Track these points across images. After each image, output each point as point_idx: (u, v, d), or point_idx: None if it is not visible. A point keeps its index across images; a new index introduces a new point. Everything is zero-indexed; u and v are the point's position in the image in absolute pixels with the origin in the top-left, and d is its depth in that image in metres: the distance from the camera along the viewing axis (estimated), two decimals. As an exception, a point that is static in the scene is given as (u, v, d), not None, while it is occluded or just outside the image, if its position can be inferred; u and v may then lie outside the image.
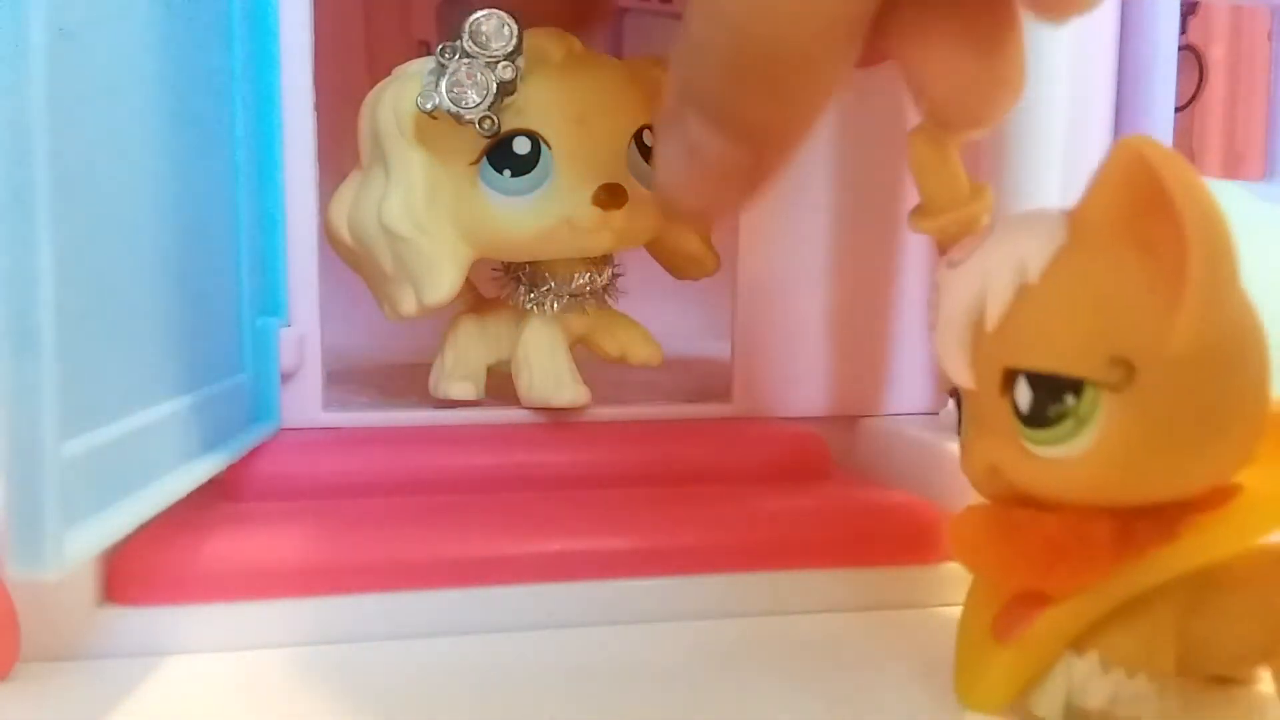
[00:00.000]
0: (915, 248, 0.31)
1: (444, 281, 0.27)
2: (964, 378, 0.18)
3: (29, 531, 0.15)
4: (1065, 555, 0.17)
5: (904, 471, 0.28)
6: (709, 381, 0.33)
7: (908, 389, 0.32)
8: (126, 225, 0.19)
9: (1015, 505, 0.18)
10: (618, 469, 0.27)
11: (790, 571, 0.24)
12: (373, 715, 0.19)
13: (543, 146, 0.27)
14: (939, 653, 0.20)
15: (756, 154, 0.21)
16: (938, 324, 0.18)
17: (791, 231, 0.30)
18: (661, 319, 0.32)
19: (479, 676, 0.20)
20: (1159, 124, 0.30)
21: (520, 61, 0.26)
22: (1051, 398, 0.16)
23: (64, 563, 0.15)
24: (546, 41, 0.28)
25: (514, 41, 0.26)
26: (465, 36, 0.26)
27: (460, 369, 0.29)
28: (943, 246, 0.20)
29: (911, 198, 0.21)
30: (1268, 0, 0.36)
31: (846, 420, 0.31)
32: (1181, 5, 0.30)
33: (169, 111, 0.21)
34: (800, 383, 0.31)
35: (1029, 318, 0.17)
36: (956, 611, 0.20)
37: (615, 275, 0.30)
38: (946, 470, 0.26)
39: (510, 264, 0.30)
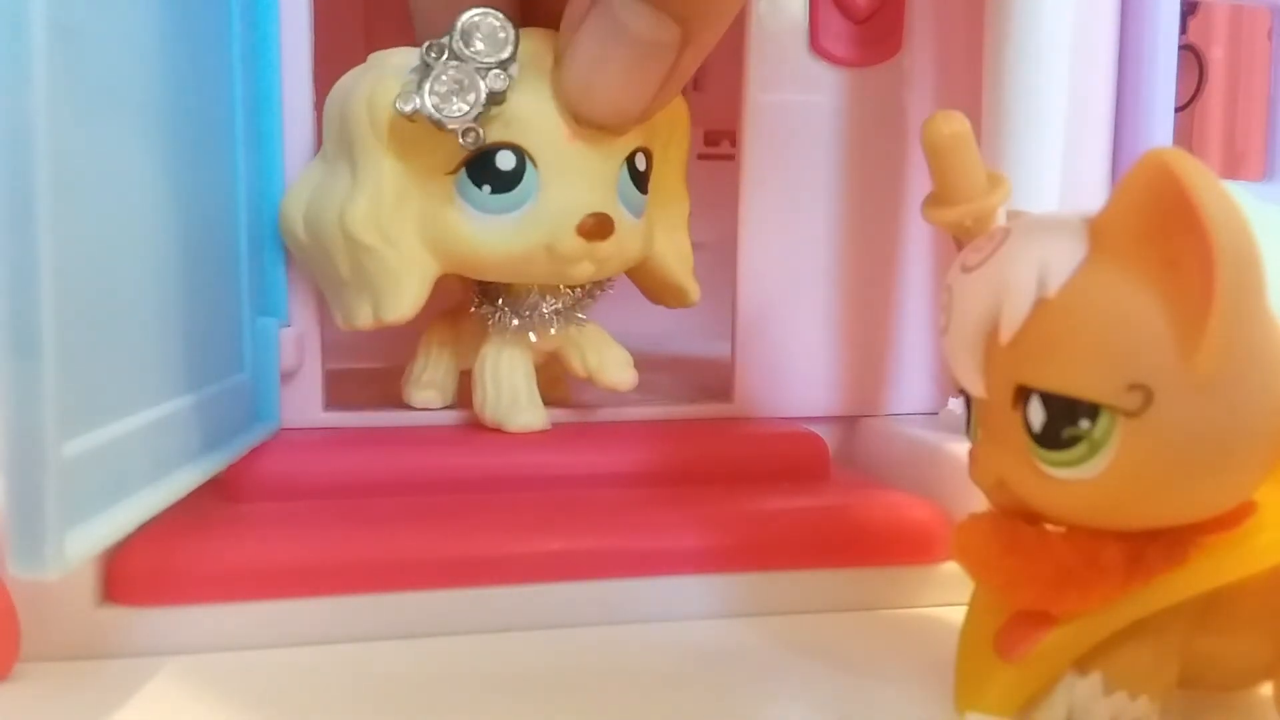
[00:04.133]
0: (916, 247, 0.31)
1: (405, 298, 0.25)
2: (975, 387, 0.17)
3: (29, 531, 0.15)
4: (1074, 578, 0.17)
5: (904, 471, 0.28)
6: (709, 381, 0.33)
7: (908, 389, 0.32)
8: (126, 225, 0.19)
9: (1023, 519, 0.18)
10: (618, 469, 0.27)
11: (790, 571, 0.24)
12: (372, 715, 0.19)
13: (528, 163, 0.25)
14: (939, 653, 0.20)
15: (686, 29, 0.21)
16: (949, 329, 0.18)
17: (791, 231, 0.30)
18: (661, 319, 0.32)
19: (478, 676, 0.20)
20: (1159, 124, 0.30)
21: (514, 70, 0.24)
22: (1065, 420, 0.16)
23: (64, 563, 0.16)
24: (542, 44, 0.25)
25: (509, 48, 0.24)
26: (455, 36, 0.24)
27: (429, 376, 0.29)
28: (957, 240, 0.20)
29: (913, 197, 0.20)
30: (1268, 0, 0.36)
31: (846, 420, 0.31)
32: (1181, 5, 0.30)
33: (169, 111, 0.21)
34: (800, 383, 0.31)
35: (1046, 336, 0.16)
36: (956, 611, 0.19)
37: (588, 293, 0.28)
38: (946, 470, 0.26)
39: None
